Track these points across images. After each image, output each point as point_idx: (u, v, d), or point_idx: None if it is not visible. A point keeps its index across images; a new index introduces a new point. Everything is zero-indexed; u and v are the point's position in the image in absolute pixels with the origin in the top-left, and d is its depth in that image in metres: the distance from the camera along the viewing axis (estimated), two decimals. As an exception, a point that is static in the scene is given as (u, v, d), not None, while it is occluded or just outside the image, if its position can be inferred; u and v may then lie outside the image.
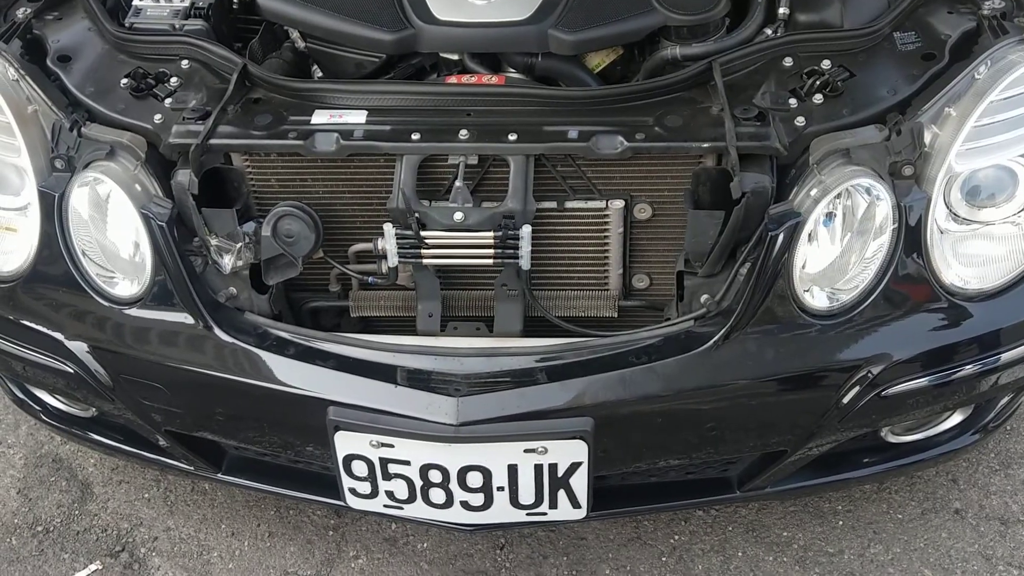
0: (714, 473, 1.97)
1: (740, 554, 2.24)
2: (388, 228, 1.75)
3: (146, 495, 2.44)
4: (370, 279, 1.88)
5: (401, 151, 1.76)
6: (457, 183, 1.73)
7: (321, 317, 2.03)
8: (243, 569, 2.26)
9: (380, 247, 1.83)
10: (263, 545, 2.31)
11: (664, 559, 2.24)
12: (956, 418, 2.00)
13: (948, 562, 2.20)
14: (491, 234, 1.74)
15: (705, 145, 1.71)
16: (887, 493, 2.34)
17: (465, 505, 1.81)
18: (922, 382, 1.75)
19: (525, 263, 1.77)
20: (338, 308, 2.00)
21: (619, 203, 1.81)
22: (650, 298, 1.95)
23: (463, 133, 1.75)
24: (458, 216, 1.73)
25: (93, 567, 2.28)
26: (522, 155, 1.74)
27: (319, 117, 1.81)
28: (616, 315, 1.92)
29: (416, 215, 1.74)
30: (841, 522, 2.29)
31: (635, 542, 2.27)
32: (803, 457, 1.88)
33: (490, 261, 1.77)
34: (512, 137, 1.74)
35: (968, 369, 1.76)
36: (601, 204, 1.81)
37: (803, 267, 1.72)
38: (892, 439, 1.99)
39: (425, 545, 2.29)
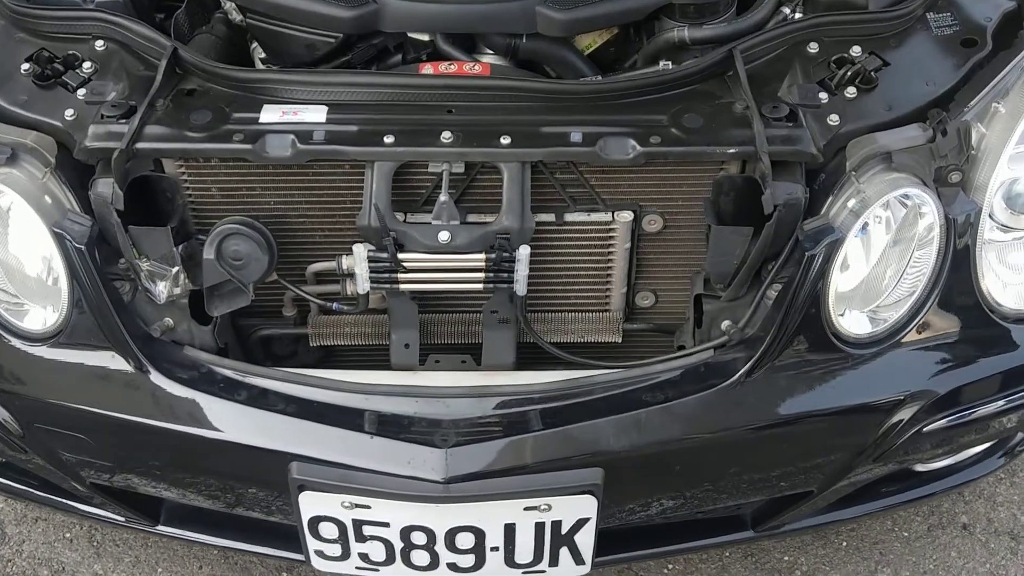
0: (726, 512, 1.76)
1: (740, 583, 2.06)
2: (359, 250, 1.47)
3: (67, 535, 2.13)
4: (334, 305, 1.60)
5: (372, 157, 1.47)
6: (441, 197, 1.45)
7: (275, 346, 1.74)
8: (185, 621, 1.99)
9: (345, 266, 1.55)
10: (207, 591, 2.04)
11: (658, 592, 2.04)
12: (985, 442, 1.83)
13: (960, 585, 2.06)
14: (482, 256, 1.47)
15: (732, 150, 1.47)
16: (891, 508, 2.17)
17: (453, 567, 1.57)
18: (969, 416, 1.56)
19: (521, 288, 1.51)
20: (294, 335, 1.72)
21: (627, 215, 1.55)
22: (656, 319, 1.71)
23: (446, 136, 1.47)
24: (443, 236, 1.46)
25: (8, 626, 1.98)
26: (517, 162, 1.47)
27: (269, 114, 1.51)
28: (620, 339, 1.68)
29: (392, 235, 1.46)
30: (845, 543, 2.12)
31: (626, 574, 2.06)
32: (828, 496, 1.68)
33: (480, 287, 1.51)
34: (505, 140, 1.47)
35: (1020, 399, 1.57)
36: (606, 216, 1.55)
37: (836, 287, 1.50)
38: (918, 468, 1.81)
39: (393, 585, 2.04)
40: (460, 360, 1.60)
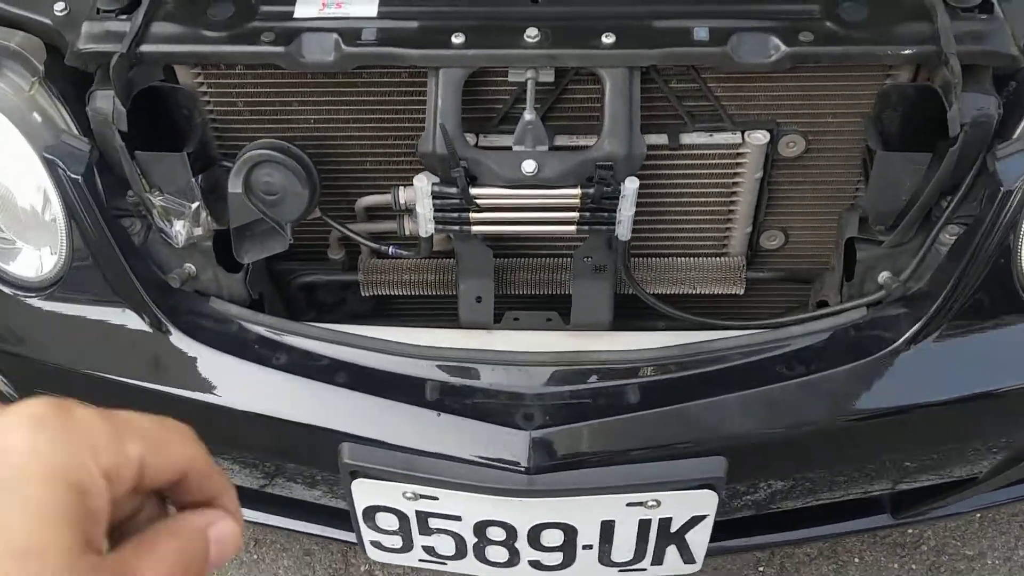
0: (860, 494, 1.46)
1: (857, 560, 1.78)
2: (421, 183, 1.16)
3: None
4: (390, 249, 1.30)
5: (437, 62, 1.15)
6: (527, 116, 1.13)
7: (319, 293, 1.46)
8: (225, 591, 1.77)
9: (402, 201, 1.25)
10: (248, 559, 1.81)
11: (762, 568, 1.77)
12: None
13: (1120, 568, 1.75)
14: (577, 192, 1.15)
15: (908, 51, 1.12)
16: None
17: (535, 565, 1.30)
18: None
19: (624, 231, 1.20)
20: (343, 282, 1.43)
21: (761, 136, 1.22)
22: (785, 264, 1.39)
23: (531, 33, 1.14)
24: (528, 167, 1.14)
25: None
26: (624, 67, 1.14)
27: (306, 8, 1.18)
28: (742, 291, 1.36)
29: (463, 164, 1.14)
30: (979, 514, 1.82)
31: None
32: (994, 482, 1.37)
33: (571, 229, 1.20)
34: (608, 39, 1.13)
35: None
36: (734, 138, 1.22)
37: (1028, 230, 1.17)
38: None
39: (457, 555, 1.79)
40: (544, 317, 1.30)
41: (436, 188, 1.17)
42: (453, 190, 1.16)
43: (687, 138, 1.22)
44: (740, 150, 1.23)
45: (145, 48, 1.16)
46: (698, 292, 1.35)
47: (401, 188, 1.25)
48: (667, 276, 1.34)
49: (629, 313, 1.34)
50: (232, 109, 1.24)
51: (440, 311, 1.42)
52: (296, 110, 1.23)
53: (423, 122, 1.17)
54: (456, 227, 1.20)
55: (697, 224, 1.32)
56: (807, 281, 1.39)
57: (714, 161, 1.24)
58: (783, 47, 1.12)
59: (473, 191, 1.16)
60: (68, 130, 1.22)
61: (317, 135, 1.25)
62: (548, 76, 1.15)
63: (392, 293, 1.39)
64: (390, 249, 1.28)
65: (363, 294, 1.39)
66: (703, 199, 1.29)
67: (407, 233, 1.30)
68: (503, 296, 1.32)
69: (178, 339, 1.24)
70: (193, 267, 1.28)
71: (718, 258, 1.35)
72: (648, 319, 1.35)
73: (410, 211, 1.27)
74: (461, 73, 1.15)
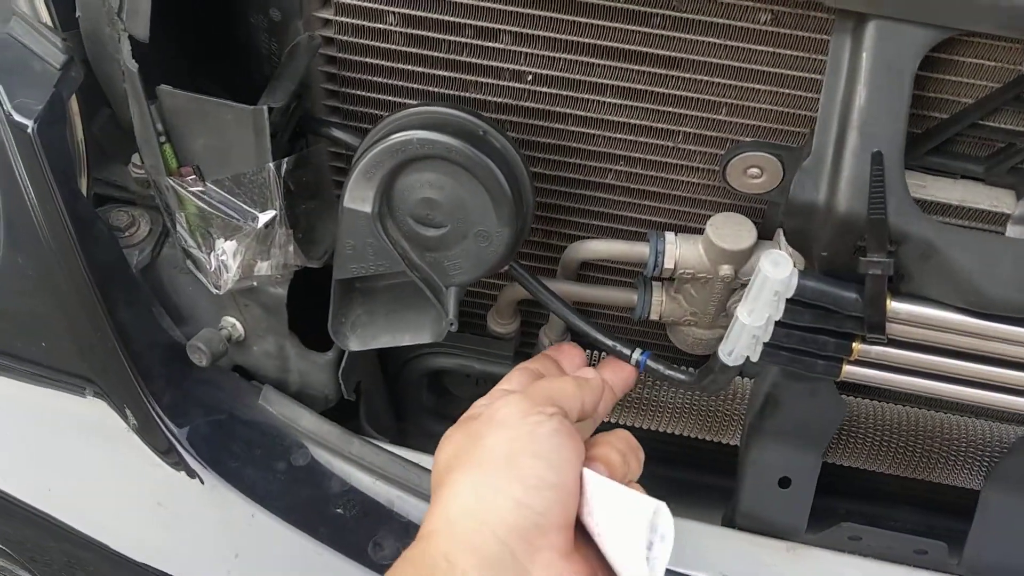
0: None
1: None
2: (775, 267, 0.50)
3: None
4: (634, 355, 0.64)
5: (870, 4, 0.49)
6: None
7: (450, 382, 0.81)
8: None
9: (669, 263, 0.61)
10: None
11: None
12: None
13: None
14: None
15: None
16: None
17: None
18: None
19: None
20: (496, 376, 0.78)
21: None
22: None
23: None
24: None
25: None
26: None
27: None
28: None
29: (890, 248, 0.50)
30: None
31: None
32: None
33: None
34: None
35: None
36: None
37: None
38: None
39: None
40: (912, 545, 0.65)
41: (810, 285, 0.52)
42: (849, 296, 0.52)
43: None
44: None
45: None
46: None
47: (671, 238, 0.61)
48: None
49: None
50: (374, 29, 0.58)
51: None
52: (503, 51, 0.58)
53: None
54: (811, 362, 0.56)
55: None
56: None
57: None
58: None
59: (894, 306, 0.51)
60: (32, 15, 0.58)
61: (535, 110, 0.59)
62: None
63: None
64: (635, 355, 0.63)
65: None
66: None
67: (650, 316, 0.65)
68: (830, 475, 0.68)
69: (195, 481, 0.61)
70: (241, 327, 0.64)
71: None
72: None
73: (669, 281, 0.63)
74: (925, 38, 0.50)
